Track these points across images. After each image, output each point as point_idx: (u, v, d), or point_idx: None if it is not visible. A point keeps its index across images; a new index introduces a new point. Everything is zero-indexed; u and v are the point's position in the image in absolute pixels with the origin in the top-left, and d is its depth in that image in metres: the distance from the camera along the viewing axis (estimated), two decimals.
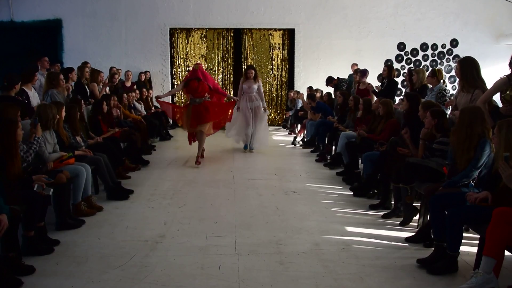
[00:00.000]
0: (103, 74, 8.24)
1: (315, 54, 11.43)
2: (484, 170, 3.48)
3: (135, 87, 9.49)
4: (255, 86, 7.98)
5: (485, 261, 2.81)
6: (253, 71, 7.98)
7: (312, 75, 11.36)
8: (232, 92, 11.57)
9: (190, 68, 8.77)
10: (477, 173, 3.54)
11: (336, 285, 3.12)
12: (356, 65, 10.09)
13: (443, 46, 11.56)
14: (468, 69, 4.28)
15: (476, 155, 3.53)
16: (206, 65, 11.63)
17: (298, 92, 10.53)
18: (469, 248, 3.55)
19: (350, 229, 4.23)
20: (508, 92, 3.85)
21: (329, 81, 9.77)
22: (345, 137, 6.38)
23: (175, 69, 11.71)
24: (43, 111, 4.48)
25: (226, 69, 11.92)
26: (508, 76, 3.91)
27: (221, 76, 11.93)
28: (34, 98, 5.73)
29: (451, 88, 11.29)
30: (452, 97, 5.31)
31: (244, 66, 11.79)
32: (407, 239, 3.92)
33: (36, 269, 3.30)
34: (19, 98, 5.28)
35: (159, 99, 7.27)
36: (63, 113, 4.87)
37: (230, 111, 7.58)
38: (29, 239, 3.54)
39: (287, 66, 11.87)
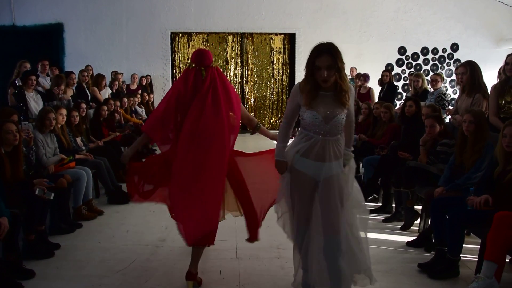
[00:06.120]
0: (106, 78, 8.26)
1: None
2: (486, 173, 3.48)
3: (140, 90, 9.50)
4: (341, 117, 2.73)
5: (486, 266, 2.80)
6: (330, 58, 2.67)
7: None
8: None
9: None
10: (480, 176, 3.54)
11: None
12: (355, 69, 10.11)
13: (444, 50, 11.55)
14: (476, 73, 4.37)
15: (482, 158, 3.55)
16: None
17: None
18: (470, 252, 3.54)
19: None
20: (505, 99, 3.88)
21: None
22: None
23: (176, 73, 11.69)
24: (41, 114, 4.49)
25: (231, 77, 11.67)
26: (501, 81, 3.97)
27: None
28: (32, 101, 5.73)
29: (451, 92, 11.29)
30: (452, 103, 5.33)
31: (247, 72, 11.68)
32: (408, 244, 3.92)
33: (37, 273, 3.29)
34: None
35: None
36: (64, 117, 4.87)
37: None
38: (29, 242, 3.54)
39: (288, 70, 11.86)
